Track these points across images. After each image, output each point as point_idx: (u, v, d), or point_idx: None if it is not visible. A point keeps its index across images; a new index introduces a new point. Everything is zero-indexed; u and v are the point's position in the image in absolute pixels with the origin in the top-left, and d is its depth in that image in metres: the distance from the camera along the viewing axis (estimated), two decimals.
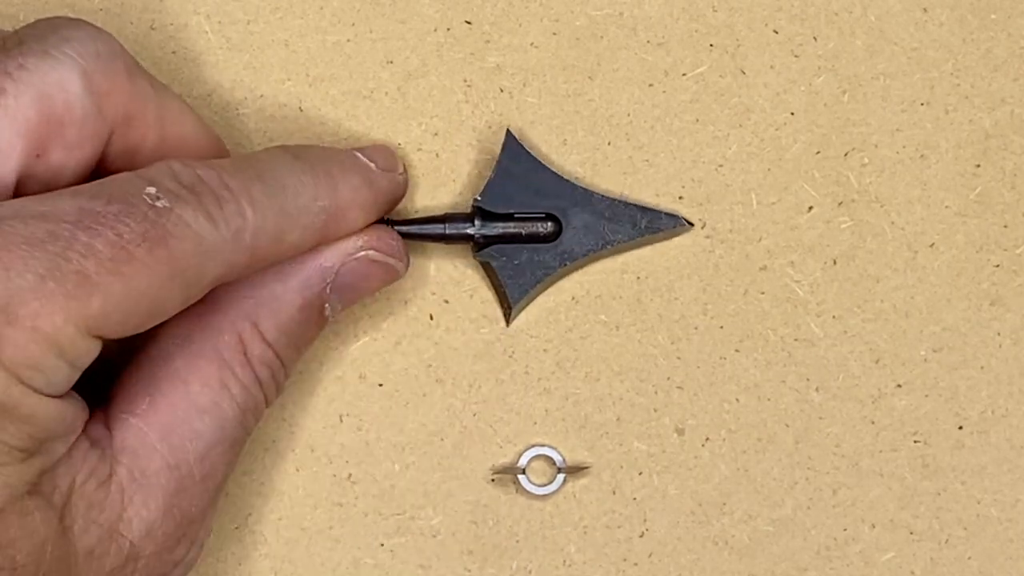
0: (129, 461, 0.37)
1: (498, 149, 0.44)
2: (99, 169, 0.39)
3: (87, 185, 0.36)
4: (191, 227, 0.35)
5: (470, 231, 0.44)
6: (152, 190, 0.35)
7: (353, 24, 0.45)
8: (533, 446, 0.45)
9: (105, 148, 0.38)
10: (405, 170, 0.43)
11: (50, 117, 0.37)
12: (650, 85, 0.46)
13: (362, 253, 0.41)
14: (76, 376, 0.35)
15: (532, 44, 0.46)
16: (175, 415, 0.38)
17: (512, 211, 0.44)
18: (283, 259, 0.39)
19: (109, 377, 0.39)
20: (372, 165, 0.42)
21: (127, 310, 0.34)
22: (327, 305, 0.41)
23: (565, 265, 0.44)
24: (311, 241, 0.40)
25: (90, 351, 0.35)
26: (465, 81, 0.46)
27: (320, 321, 0.41)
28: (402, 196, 0.43)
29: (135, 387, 0.38)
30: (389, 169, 0.42)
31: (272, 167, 0.39)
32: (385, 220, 0.43)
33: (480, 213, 0.44)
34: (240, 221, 0.37)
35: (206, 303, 0.39)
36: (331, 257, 0.41)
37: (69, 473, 0.36)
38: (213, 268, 0.36)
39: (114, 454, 0.37)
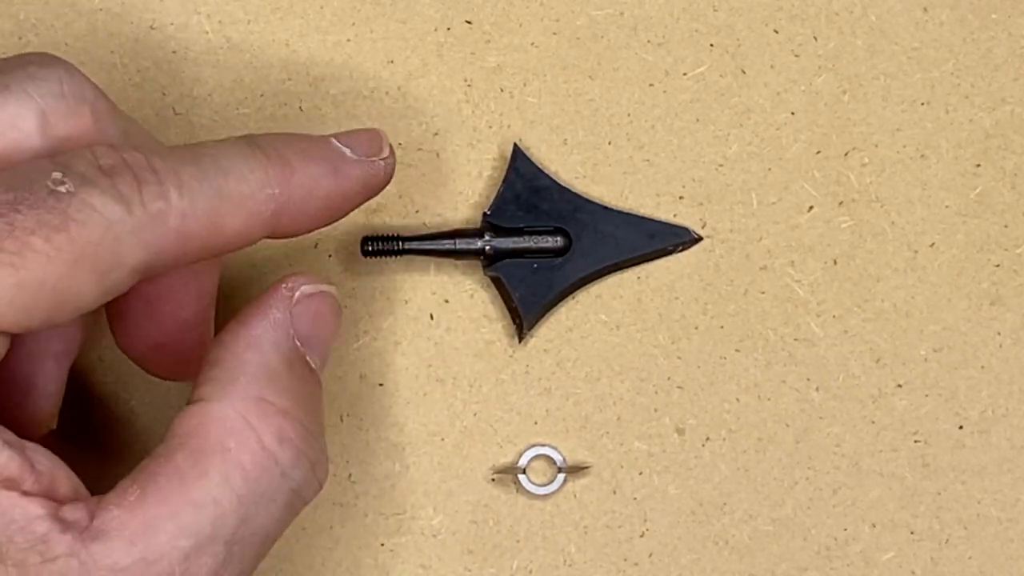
0: (99, 551, 0.34)
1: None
2: None
3: None
4: (97, 211, 0.34)
5: (480, 246, 0.44)
6: (58, 175, 0.34)
7: (353, 24, 0.45)
8: (533, 446, 0.45)
9: None
10: (391, 153, 0.41)
11: None
12: (650, 85, 0.46)
13: (299, 290, 0.39)
14: None
15: (532, 44, 0.46)
16: (164, 509, 0.35)
17: (522, 226, 0.44)
18: (232, 248, 0.37)
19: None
20: (347, 151, 0.39)
21: (26, 303, 0.33)
22: (308, 359, 0.39)
23: (576, 279, 0.44)
24: (262, 229, 0.37)
25: None
26: (465, 81, 0.46)
27: (312, 377, 0.39)
28: (386, 181, 0.40)
29: (130, 481, 0.36)
30: (369, 155, 0.40)
31: (216, 152, 0.37)
32: (395, 237, 0.43)
33: (490, 228, 0.44)
34: (162, 204, 0.35)
35: (212, 402, 0.37)
36: (278, 307, 0.38)
37: None
38: (132, 253, 0.34)
39: (83, 539, 0.34)
